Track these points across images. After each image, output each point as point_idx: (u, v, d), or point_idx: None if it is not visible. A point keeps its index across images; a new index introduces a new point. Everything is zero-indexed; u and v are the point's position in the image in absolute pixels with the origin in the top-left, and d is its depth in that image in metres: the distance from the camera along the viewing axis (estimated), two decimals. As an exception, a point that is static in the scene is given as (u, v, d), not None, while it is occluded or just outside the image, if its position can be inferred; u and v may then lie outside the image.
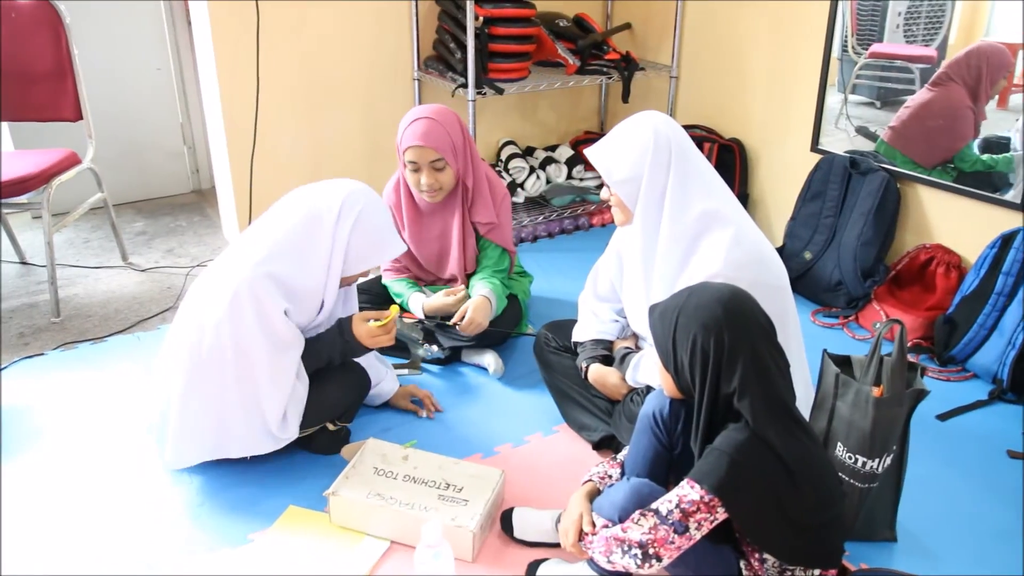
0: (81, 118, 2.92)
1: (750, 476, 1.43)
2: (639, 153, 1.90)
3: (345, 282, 2.01)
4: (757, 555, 1.51)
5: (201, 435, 1.90)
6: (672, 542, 1.42)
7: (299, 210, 1.92)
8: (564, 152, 3.78)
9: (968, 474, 2.10)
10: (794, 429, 1.48)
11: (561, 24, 3.48)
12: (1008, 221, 2.58)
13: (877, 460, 1.77)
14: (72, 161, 2.88)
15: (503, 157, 3.68)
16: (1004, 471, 2.12)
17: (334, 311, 2.05)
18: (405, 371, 2.47)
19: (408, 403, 2.23)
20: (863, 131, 3.00)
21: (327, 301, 1.97)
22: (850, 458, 1.78)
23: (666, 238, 1.92)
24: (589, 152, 1.99)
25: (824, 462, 1.52)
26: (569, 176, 3.72)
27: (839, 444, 1.80)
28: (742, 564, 1.54)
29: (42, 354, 2.55)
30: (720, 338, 1.45)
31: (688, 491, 1.43)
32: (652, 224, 1.94)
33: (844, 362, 1.86)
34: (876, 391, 1.72)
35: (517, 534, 1.82)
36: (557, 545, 1.76)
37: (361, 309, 2.35)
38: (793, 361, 1.93)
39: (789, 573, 1.51)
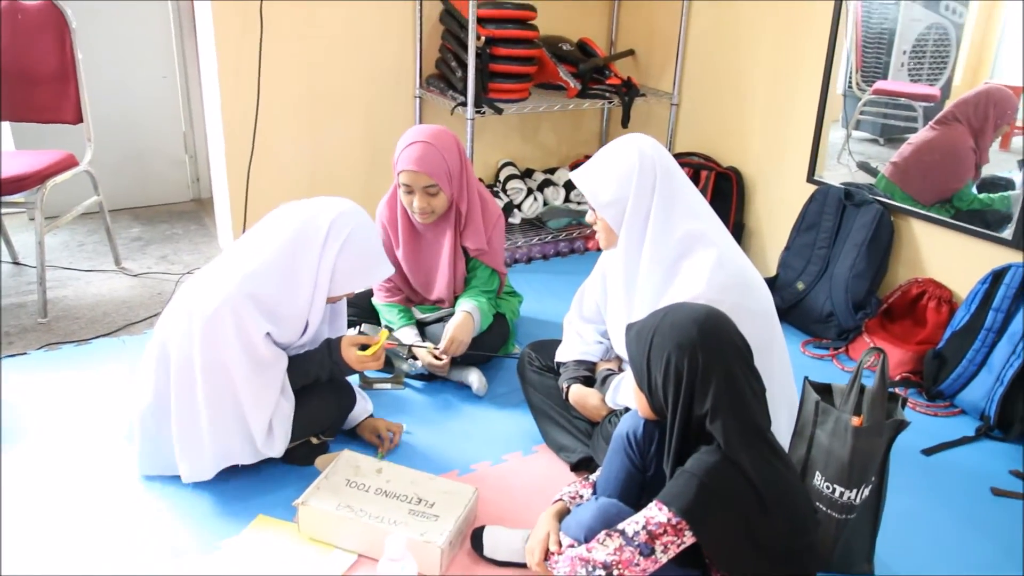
0: (81, 121, 2.93)
1: (719, 500, 1.40)
2: (624, 175, 1.89)
3: (331, 300, 2.00)
4: (726, 581, 1.48)
5: (200, 447, 1.89)
6: (637, 564, 1.39)
7: (287, 229, 1.90)
8: (563, 175, 3.78)
9: (951, 510, 2.06)
10: (767, 454, 1.45)
11: (564, 48, 3.50)
12: (1000, 257, 2.56)
13: (855, 491, 1.73)
14: (69, 163, 2.89)
15: (501, 178, 3.68)
16: (987, 508, 2.08)
17: (320, 330, 2.04)
18: (388, 386, 2.45)
19: (373, 437, 2.18)
20: (864, 166, 2.99)
21: (312, 322, 1.95)
22: (828, 488, 1.75)
23: (648, 260, 1.90)
24: (575, 175, 1.99)
25: (797, 489, 1.49)
26: (567, 199, 3.72)
27: (817, 473, 1.77)
28: (710, 590, 1.50)
29: (25, 353, 2.54)
30: (694, 358, 1.43)
31: (656, 513, 1.41)
32: (635, 246, 1.93)
33: (825, 390, 1.83)
34: (856, 420, 1.70)
35: (487, 552, 1.79)
36: (527, 566, 1.72)
37: (350, 323, 2.35)
38: (778, 389, 1.92)
39: (758, 602, 1.48)
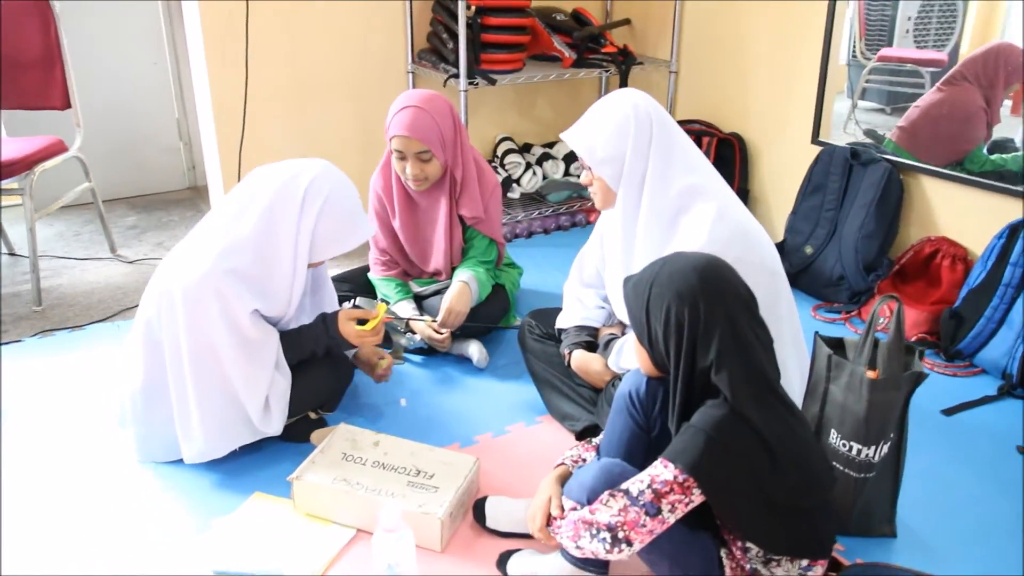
0: (69, 106, 2.86)
1: (727, 455, 1.31)
2: (620, 129, 1.81)
3: (312, 265, 1.92)
4: (739, 543, 1.39)
5: (196, 434, 1.81)
6: (643, 525, 1.30)
7: (262, 198, 1.80)
8: (562, 149, 3.69)
9: (974, 470, 1.97)
10: (776, 406, 1.36)
11: (558, 18, 3.39)
12: (1016, 211, 2.45)
13: (873, 448, 1.64)
14: (58, 148, 2.82)
15: (499, 153, 3.60)
16: (1012, 467, 1.98)
17: (303, 301, 1.96)
18: (387, 360, 2.37)
19: (372, 355, 2.12)
20: (871, 134, 2.89)
21: (295, 291, 1.87)
22: (844, 446, 1.66)
23: (646, 216, 1.82)
24: (566, 134, 1.90)
25: (810, 443, 1.40)
26: (566, 173, 3.63)
27: (833, 431, 1.68)
28: (723, 553, 1.41)
29: (19, 341, 2.47)
30: (695, 307, 1.34)
31: (661, 471, 1.32)
32: (633, 203, 1.85)
33: (837, 344, 1.74)
34: (871, 373, 1.60)
35: (489, 524, 1.71)
36: (531, 537, 1.62)
37: (344, 298, 2.27)
38: (789, 349, 1.83)
39: (774, 563, 1.39)
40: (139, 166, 3.77)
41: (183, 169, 3.89)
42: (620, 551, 1.31)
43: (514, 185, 3.51)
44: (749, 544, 1.38)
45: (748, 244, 1.79)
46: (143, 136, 3.74)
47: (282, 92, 3.15)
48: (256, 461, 1.91)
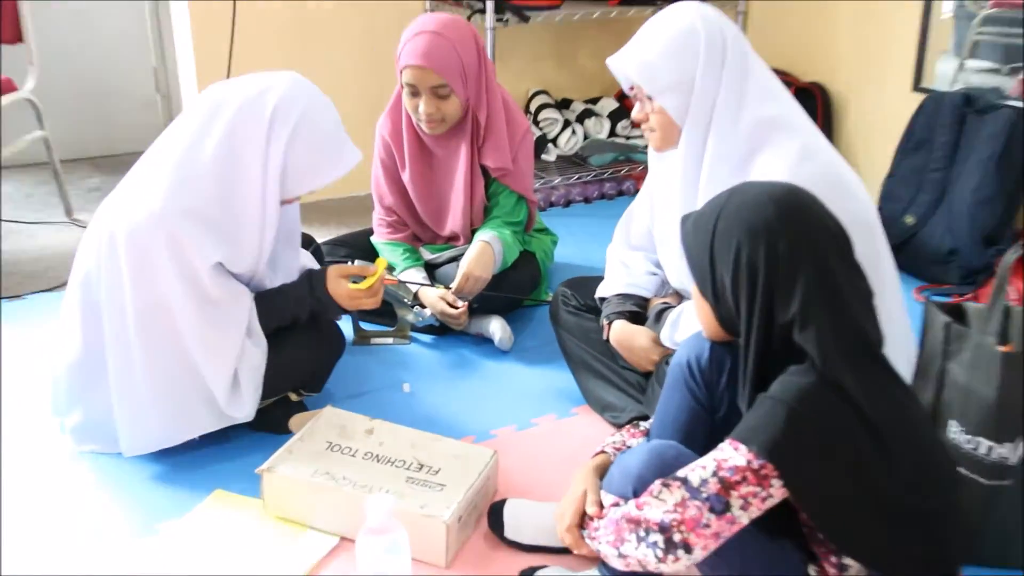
0: (20, 40, 2.82)
1: (817, 434, 1.16)
2: (687, 48, 1.68)
3: (286, 202, 1.80)
4: (834, 558, 1.23)
5: (144, 411, 1.71)
6: (707, 525, 1.15)
7: (221, 121, 1.69)
8: (607, 105, 3.61)
9: None
10: (879, 374, 1.22)
11: (606, -53, 3.30)
12: None
13: (1008, 445, 1.47)
14: (5, 88, 2.76)
15: (532, 109, 3.53)
16: None
17: (276, 250, 1.84)
18: (390, 340, 2.29)
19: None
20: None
21: (267, 235, 1.75)
22: (969, 442, 1.49)
23: (713, 156, 1.70)
24: (614, 59, 1.76)
25: (925, 423, 1.25)
26: (612, 133, 3.54)
27: (953, 422, 1.52)
28: (812, 571, 1.25)
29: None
30: (773, 246, 1.20)
31: (730, 454, 1.17)
32: (698, 141, 1.72)
33: (955, 312, 1.58)
34: (1005, 347, 1.44)
35: (508, 534, 1.58)
36: (561, 550, 1.50)
37: (336, 263, 2.16)
38: (894, 328, 1.65)
39: (879, 587, 1.22)
40: (108, 120, 3.72)
41: (159, 126, 3.77)
42: (676, 559, 1.17)
43: (550, 145, 3.44)
44: (847, 560, 1.22)
45: (840, 190, 1.63)
46: (114, 86, 3.69)
47: (278, 35, 3.10)
48: (220, 452, 1.83)
